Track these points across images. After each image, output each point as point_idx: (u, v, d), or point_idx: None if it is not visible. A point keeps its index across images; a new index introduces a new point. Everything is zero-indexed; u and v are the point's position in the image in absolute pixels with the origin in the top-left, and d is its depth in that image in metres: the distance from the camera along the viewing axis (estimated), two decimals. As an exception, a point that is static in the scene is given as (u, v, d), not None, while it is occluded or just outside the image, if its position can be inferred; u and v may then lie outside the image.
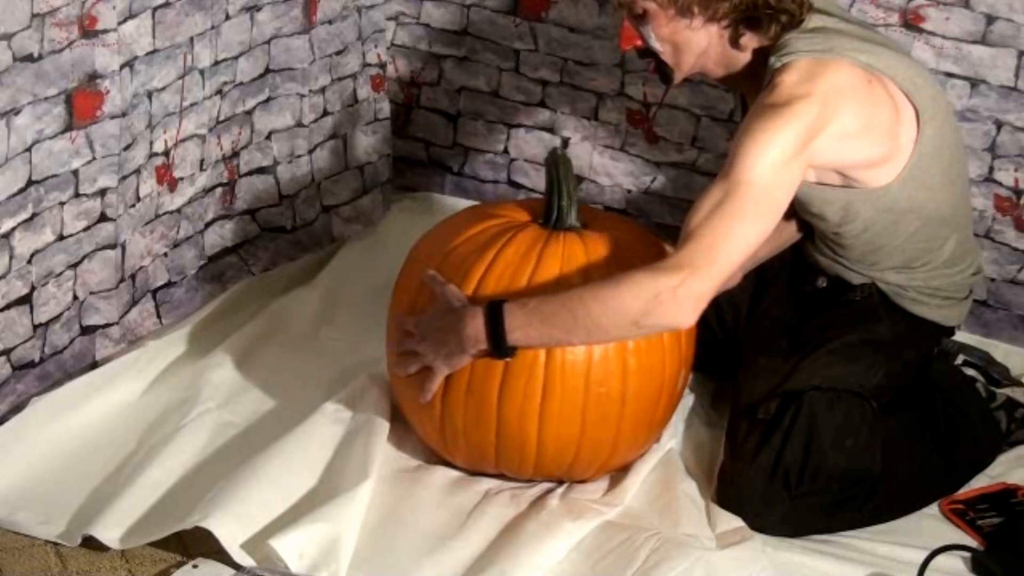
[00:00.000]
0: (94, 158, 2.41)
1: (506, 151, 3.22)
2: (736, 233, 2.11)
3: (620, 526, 2.22)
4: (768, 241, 2.27)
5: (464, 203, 3.08)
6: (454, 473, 2.34)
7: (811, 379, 2.32)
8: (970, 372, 2.62)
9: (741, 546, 2.20)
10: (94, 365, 2.52)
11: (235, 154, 2.81)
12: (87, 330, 2.52)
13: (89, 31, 2.33)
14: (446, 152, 3.27)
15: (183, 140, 2.64)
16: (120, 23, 2.38)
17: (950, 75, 2.74)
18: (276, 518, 2.16)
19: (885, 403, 2.34)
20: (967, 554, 2.21)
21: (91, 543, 2.13)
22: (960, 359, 2.63)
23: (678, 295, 2.07)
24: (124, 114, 2.43)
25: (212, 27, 2.62)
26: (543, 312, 2.11)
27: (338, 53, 2.98)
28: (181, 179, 2.67)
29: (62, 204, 2.39)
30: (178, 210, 2.69)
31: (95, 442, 2.37)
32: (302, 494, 2.22)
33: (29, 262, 2.35)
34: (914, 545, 2.22)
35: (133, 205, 2.55)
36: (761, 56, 2.27)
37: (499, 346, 2.13)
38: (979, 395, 2.54)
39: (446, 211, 2.55)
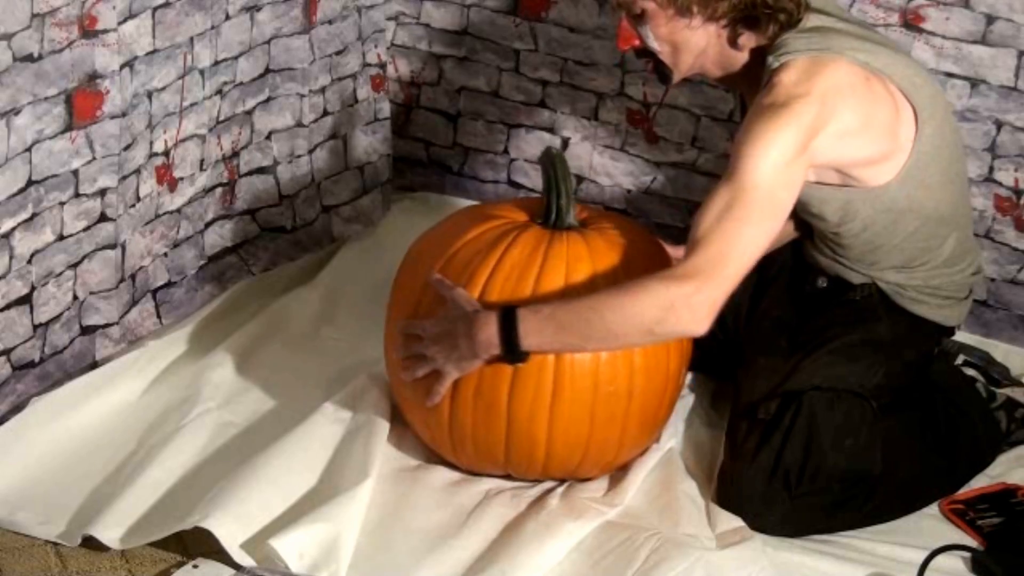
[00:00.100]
0: (94, 158, 2.41)
1: (506, 151, 3.22)
2: (745, 237, 2.11)
3: (620, 526, 2.22)
4: None
5: (464, 203, 3.08)
6: (454, 473, 2.34)
7: (811, 379, 2.32)
8: (970, 372, 2.62)
9: (741, 546, 2.20)
10: (94, 365, 2.52)
11: (235, 154, 2.81)
12: (87, 330, 2.52)
13: (89, 31, 2.33)
14: (446, 152, 3.27)
15: (183, 140, 2.64)
16: (120, 23, 2.38)
17: (950, 75, 2.74)
18: (276, 518, 2.16)
19: (885, 403, 2.34)
20: (967, 554, 2.21)
21: (91, 543, 2.13)
22: (960, 359, 2.63)
23: (692, 303, 2.08)
24: (124, 114, 2.43)
25: (212, 27, 2.62)
26: (557, 319, 2.12)
27: (338, 53, 2.98)
28: (181, 179, 2.67)
29: (62, 204, 2.39)
30: (178, 210, 2.69)
31: (95, 442, 2.37)
32: (302, 494, 2.22)
33: (29, 262, 2.35)
34: (914, 545, 2.22)
35: (133, 205, 2.55)
36: (759, 56, 2.27)
37: (512, 351, 2.13)
38: (979, 395, 2.54)
39: (446, 211, 2.54)
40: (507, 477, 2.33)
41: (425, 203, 3.22)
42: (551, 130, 3.15)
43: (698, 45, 2.29)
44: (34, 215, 2.34)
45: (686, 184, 3.05)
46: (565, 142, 3.13)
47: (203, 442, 2.37)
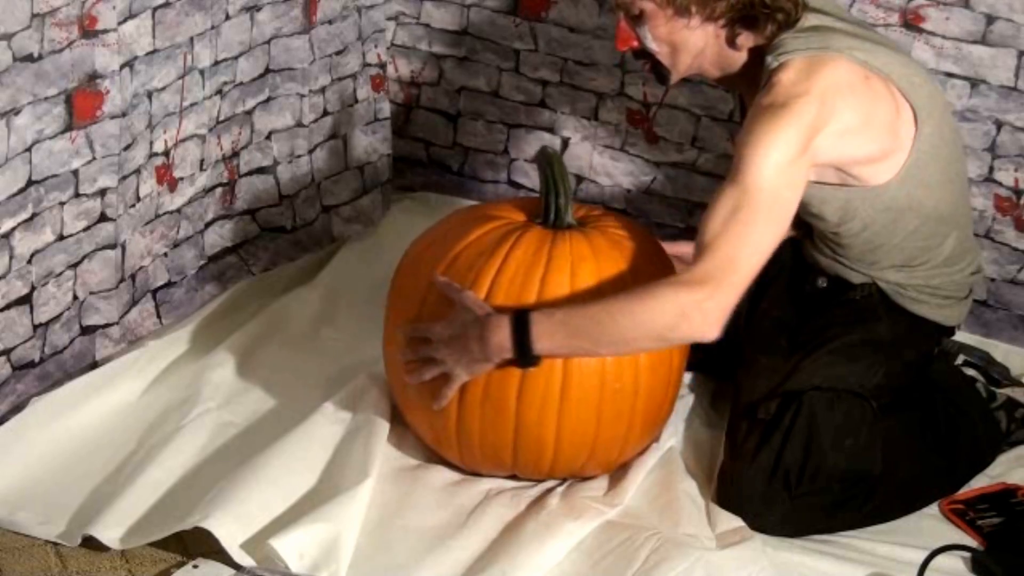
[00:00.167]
0: (94, 158, 2.41)
1: (506, 151, 3.22)
2: (753, 241, 2.12)
3: (620, 526, 2.22)
4: None
5: (464, 203, 3.08)
6: (454, 473, 2.34)
7: (811, 379, 2.32)
8: (970, 372, 2.62)
9: (741, 546, 2.20)
10: (94, 365, 2.52)
11: (235, 154, 2.81)
12: (87, 330, 2.52)
13: (89, 31, 2.33)
14: (446, 152, 3.27)
15: (183, 140, 2.64)
16: (120, 23, 2.38)
17: (950, 75, 2.74)
18: (276, 518, 2.16)
19: (885, 403, 2.34)
20: (967, 554, 2.21)
21: (91, 543, 2.13)
22: (960, 359, 2.63)
23: (704, 309, 2.09)
24: (124, 114, 2.43)
25: (212, 27, 2.62)
26: (570, 324, 2.12)
27: (338, 53, 2.98)
28: (181, 179, 2.67)
29: (62, 204, 2.39)
30: (178, 210, 2.69)
31: (95, 442, 2.37)
32: (302, 494, 2.22)
33: (29, 262, 2.35)
34: (914, 545, 2.22)
35: (133, 205, 2.55)
36: (757, 56, 2.27)
37: (524, 355, 2.13)
38: (979, 395, 2.54)
39: (446, 211, 2.54)
40: (511, 477, 2.33)
41: (425, 203, 3.22)
42: (551, 130, 3.15)
43: (696, 45, 2.29)
44: (34, 215, 2.33)
45: (686, 184, 3.05)
46: (565, 142, 3.13)
47: (203, 442, 2.37)
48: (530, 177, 3.19)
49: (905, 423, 2.37)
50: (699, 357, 2.45)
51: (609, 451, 2.29)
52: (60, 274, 2.42)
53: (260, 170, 2.88)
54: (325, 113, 2.99)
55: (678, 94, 2.96)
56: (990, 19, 2.69)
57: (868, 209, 2.29)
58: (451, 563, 2.13)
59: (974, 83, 2.73)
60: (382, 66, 3.13)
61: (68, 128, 2.35)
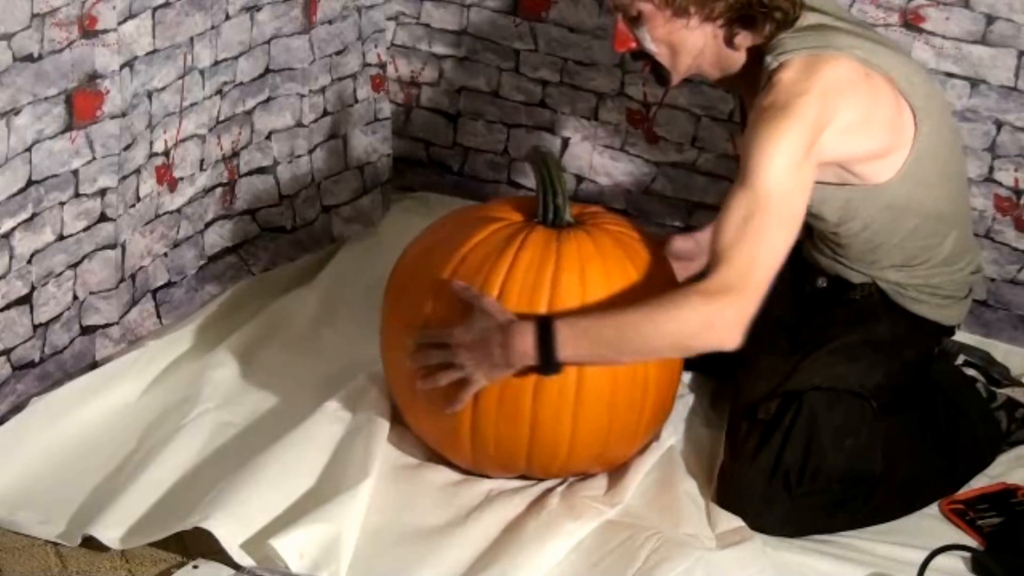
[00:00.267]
0: (94, 158, 2.41)
1: (506, 151, 3.22)
2: (768, 247, 2.13)
3: (620, 525, 2.22)
4: None
5: (464, 203, 3.08)
6: (454, 473, 2.34)
7: (811, 379, 2.32)
8: (970, 372, 2.62)
9: (741, 546, 2.20)
10: (94, 365, 2.52)
11: (235, 154, 2.81)
12: (87, 330, 2.52)
13: (89, 31, 2.33)
14: (446, 152, 3.27)
15: (183, 140, 2.64)
16: (120, 23, 2.38)
17: (950, 75, 2.74)
18: (276, 518, 2.16)
19: (885, 403, 2.34)
20: (967, 554, 2.21)
21: (91, 543, 2.13)
22: (960, 359, 2.63)
23: (726, 318, 2.10)
24: (124, 114, 2.43)
25: (212, 27, 2.62)
26: (594, 333, 2.13)
27: (338, 53, 2.98)
28: (181, 179, 2.67)
29: (62, 204, 2.39)
30: (178, 210, 2.69)
31: (95, 442, 2.37)
32: (302, 494, 2.22)
33: (29, 262, 2.35)
34: (914, 545, 2.22)
35: (133, 205, 2.55)
36: (757, 56, 2.27)
37: (548, 363, 2.14)
38: (979, 395, 2.54)
39: (446, 211, 2.54)
40: (520, 478, 2.33)
41: (425, 203, 3.22)
42: (551, 130, 3.15)
43: (695, 46, 2.28)
44: (34, 215, 2.33)
45: (686, 184, 3.05)
46: (565, 142, 3.13)
47: (203, 442, 2.37)
48: (530, 177, 3.17)
49: (905, 423, 2.37)
50: (699, 357, 2.45)
51: (621, 444, 2.30)
52: (60, 274, 2.42)
53: (260, 170, 2.88)
54: (325, 113, 2.99)
55: (678, 94, 2.96)
56: (990, 19, 2.69)
57: (868, 208, 2.29)
58: (451, 563, 2.13)
59: (974, 83, 2.73)
60: (382, 66, 3.13)
61: (68, 128, 2.35)
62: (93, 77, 2.36)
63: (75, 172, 2.39)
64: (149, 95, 2.52)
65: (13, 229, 2.29)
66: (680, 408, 2.48)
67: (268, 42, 2.80)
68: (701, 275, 2.16)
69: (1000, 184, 2.78)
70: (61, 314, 2.45)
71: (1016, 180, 2.76)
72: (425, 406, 2.28)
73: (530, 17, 3.09)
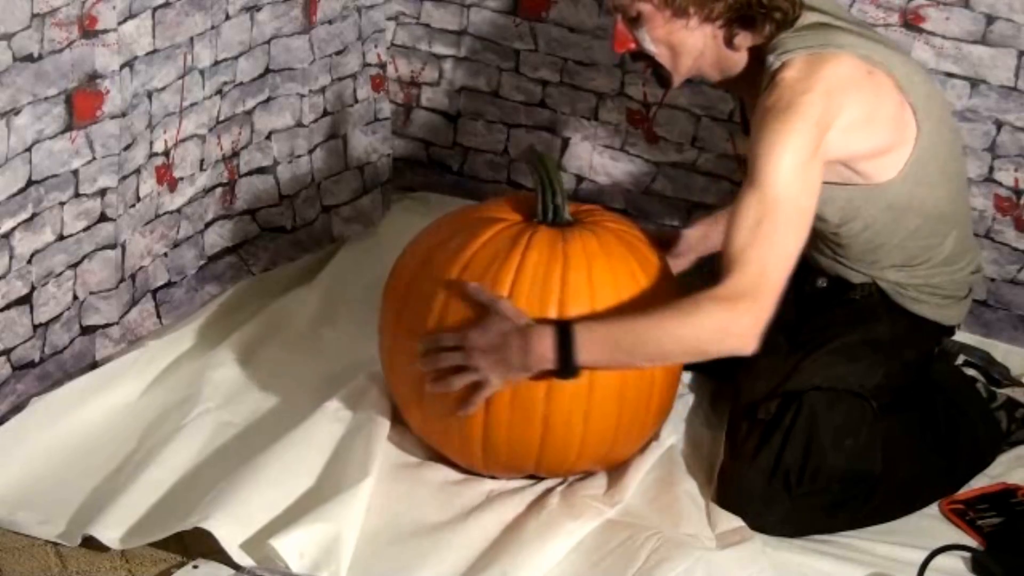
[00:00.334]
0: (94, 158, 2.41)
1: (506, 151, 3.22)
2: (780, 251, 2.14)
3: (621, 525, 2.22)
4: None
5: (464, 203, 3.08)
6: (455, 472, 2.34)
7: (811, 379, 2.32)
8: (970, 372, 2.62)
9: (741, 546, 2.20)
10: (94, 365, 2.52)
11: (235, 154, 2.81)
12: (87, 330, 2.52)
13: (89, 31, 2.33)
14: (446, 152, 3.27)
15: (183, 140, 2.64)
16: (120, 23, 2.38)
17: (950, 75, 2.74)
18: (276, 517, 2.16)
19: (885, 403, 2.34)
20: (967, 554, 2.21)
21: (91, 543, 2.13)
22: (960, 359, 2.63)
23: (744, 324, 2.11)
24: (124, 114, 2.43)
25: (212, 27, 2.62)
26: (612, 338, 2.14)
27: (338, 53, 2.98)
28: (181, 179, 2.67)
29: (62, 204, 2.39)
30: (178, 210, 2.69)
31: (95, 442, 2.37)
32: (302, 493, 2.22)
33: (29, 262, 2.35)
34: (914, 545, 2.22)
35: (133, 205, 2.55)
36: (757, 57, 2.27)
37: (567, 367, 2.14)
38: (979, 395, 2.54)
39: (446, 211, 2.54)
40: (527, 478, 2.33)
41: (425, 203, 3.22)
42: (551, 130, 3.15)
43: (695, 47, 2.28)
44: (34, 215, 2.33)
45: (686, 184, 3.05)
46: (565, 142, 3.13)
47: (203, 442, 2.37)
48: (530, 177, 3.18)
49: (905, 423, 2.37)
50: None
51: (628, 442, 2.31)
52: (60, 274, 2.42)
53: (260, 170, 2.88)
54: (325, 113, 2.99)
55: (678, 94, 2.96)
56: (990, 19, 2.69)
57: (870, 208, 2.29)
58: (451, 562, 2.13)
59: (974, 83, 2.73)
60: (382, 66, 3.13)
61: (68, 128, 2.35)
62: (93, 77, 2.36)
63: (75, 172, 2.39)
64: (149, 95, 2.52)
65: (13, 229, 2.29)
66: (680, 408, 2.48)
67: (268, 42, 2.80)
68: (714, 279, 2.15)
69: (1000, 184, 2.78)
70: (61, 314, 2.45)
71: (1016, 180, 2.76)
72: (433, 409, 2.27)
73: (530, 17, 3.09)
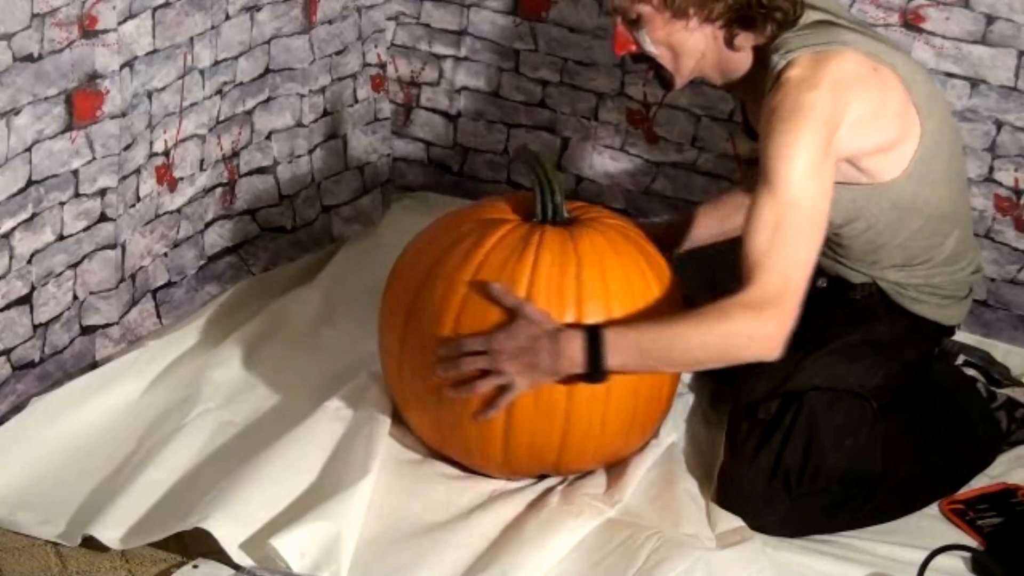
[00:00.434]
0: (94, 158, 2.41)
1: (506, 151, 3.22)
2: (801, 254, 2.15)
3: (621, 525, 2.22)
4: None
5: (464, 203, 3.08)
6: (455, 471, 2.34)
7: (812, 379, 2.32)
8: (970, 372, 2.62)
9: (741, 546, 2.20)
10: (94, 365, 2.52)
11: (235, 154, 2.81)
12: (87, 330, 2.52)
13: (89, 31, 2.33)
14: (446, 152, 3.27)
15: (183, 140, 2.64)
16: (120, 23, 2.38)
17: (950, 75, 2.74)
18: (277, 517, 2.15)
19: (885, 403, 2.34)
20: (967, 554, 2.21)
21: (91, 543, 2.12)
22: (960, 359, 2.63)
23: (770, 330, 2.12)
24: (124, 114, 2.43)
25: (212, 27, 2.62)
26: (641, 344, 2.14)
27: (338, 53, 2.98)
28: (181, 179, 2.67)
29: (62, 204, 2.39)
30: (178, 210, 2.69)
31: (95, 442, 2.37)
32: (303, 492, 2.22)
33: (29, 262, 2.35)
34: (914, 545, 2.22)
35: (133, 205, 2.55)
36: (760, 59, 2.27)
37: (596, 371, 2.14)
38: (979, 395, 2.54)
39: (446, 211, 2.54)
40: (540, 477, 2.33)
41: (425, 203, 3.22)
42: (551, 130, 3.15)
43: (696, 48, 2.28)
44: (34, 215, 2.34)
45: (686, 184, 3.05)
46: (565, 142, 3.13)
47: (203, 442, 2.37)
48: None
49: (905, 423, 2.37)
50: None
51: (638, 439, 2.33)
52: (60, 274, 2.42)
53: (260, 170, 2.88)
54: (325, 113, 2.99)
55: (678, 94, 2.95)
56: (990, 19, 2.69)
57: (873, 208, 2.29)
58: (452, 561, 2.13)
59: (974, 83, 2.73)
60: (382, 66, 3.13)
61: (68, 128, 2.35)
62: (93, 77, 2.36)
63: (75, 172, 2.39)
64: (149, 95, 2.52)
65: (13, 229, 2.29)
66: (680, 407, 2.48)
67: (268, 42, 2.80)
68: (738, 284, 2.15)
69: (1000, 184, 2.78)
70: (61, 314, 2.45)
71: (1016, 180, 2.76)
72: (449, 412, 2.25)
73: (530, 17, 3.09)
